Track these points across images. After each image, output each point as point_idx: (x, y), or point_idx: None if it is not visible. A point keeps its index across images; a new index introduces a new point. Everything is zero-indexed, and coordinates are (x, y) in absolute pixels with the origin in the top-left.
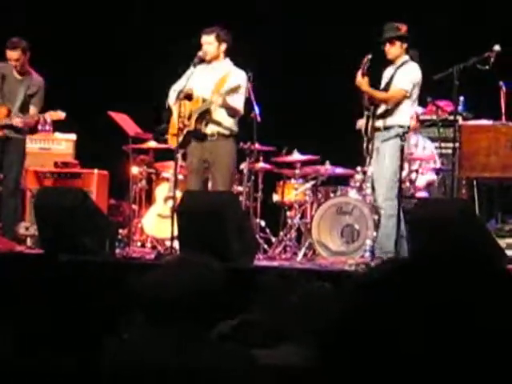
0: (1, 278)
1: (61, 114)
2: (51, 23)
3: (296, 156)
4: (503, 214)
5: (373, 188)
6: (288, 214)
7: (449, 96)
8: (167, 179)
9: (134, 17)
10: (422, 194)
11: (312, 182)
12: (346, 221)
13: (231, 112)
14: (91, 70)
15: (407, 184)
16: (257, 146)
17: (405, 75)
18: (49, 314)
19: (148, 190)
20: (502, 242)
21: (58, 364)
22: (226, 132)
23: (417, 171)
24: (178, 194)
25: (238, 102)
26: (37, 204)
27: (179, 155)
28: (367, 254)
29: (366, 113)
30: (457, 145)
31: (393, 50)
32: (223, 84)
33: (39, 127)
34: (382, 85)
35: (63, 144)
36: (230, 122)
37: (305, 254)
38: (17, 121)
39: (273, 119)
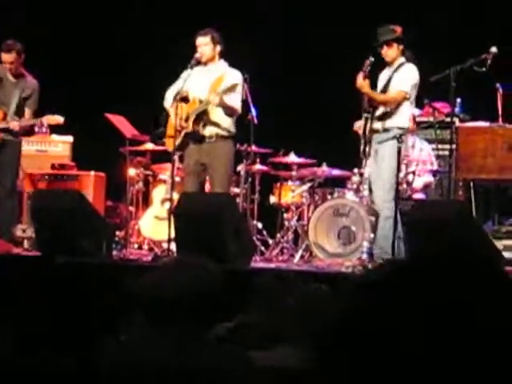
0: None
1: (59, 119)
2: (51, 23)
3: (293, 158)
4: (500, 216)
5: (370, 190)
6: (285, 215)
7: (445, 98)
8: (164, 181)
9: (134, 17)
10: (419, 196)
11: (309, 184)
12: (343, 223)
13: (229, 111)
14: (90, 70)
15: (404, 186)
16: (254, 147)
17: (404, 77)
18: (48, 315)
19: (145, 192)
20: (499, 244)
21: (57, 364)
22: (225, 133)
23: (414, 173)
24: (175, 196)
25: (235, 100)
26: (33, 206)
27: (176, 157)
28: (364, 256)
29: (364, 115)
30: (453, 146)
31: (390, 52)
32: (220, 83)
33: (36, 129)
34: (379, 87)
35: (60, 146)
36: (227, 123)
37: (302, 256)
38: (14, 124)
39: (272, 120)
